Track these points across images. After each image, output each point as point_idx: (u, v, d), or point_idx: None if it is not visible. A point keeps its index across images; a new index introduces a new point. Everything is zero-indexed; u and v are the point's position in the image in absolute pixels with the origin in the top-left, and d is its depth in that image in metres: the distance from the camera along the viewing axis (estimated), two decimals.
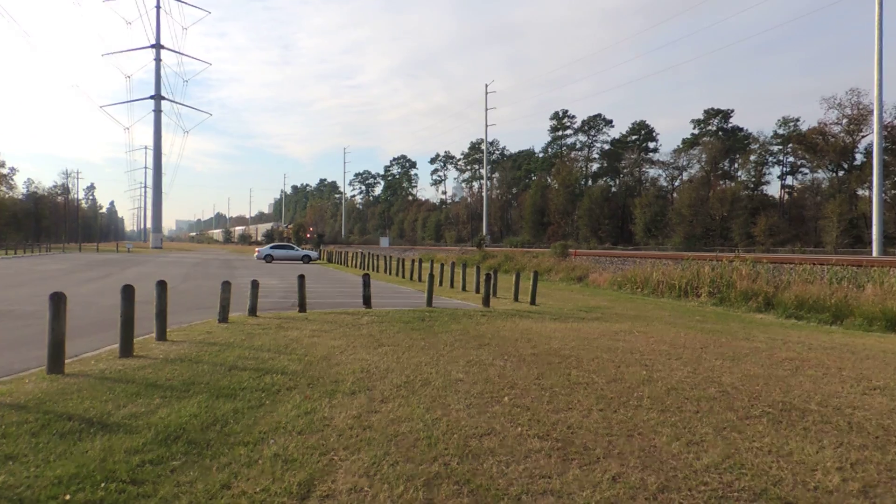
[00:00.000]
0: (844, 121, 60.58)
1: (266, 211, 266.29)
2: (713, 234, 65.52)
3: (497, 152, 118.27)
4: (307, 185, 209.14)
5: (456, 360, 9.06)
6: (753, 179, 69.41)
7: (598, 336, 11.78)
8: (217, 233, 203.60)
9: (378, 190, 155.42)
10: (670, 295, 21.73)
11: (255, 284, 13.92)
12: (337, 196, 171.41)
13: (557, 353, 9.75)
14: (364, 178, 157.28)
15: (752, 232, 60.44)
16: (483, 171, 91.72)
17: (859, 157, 60.74)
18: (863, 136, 60.29)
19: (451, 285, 24.53)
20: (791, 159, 72.30)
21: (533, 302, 17.96)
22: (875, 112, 35.37)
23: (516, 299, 18.78)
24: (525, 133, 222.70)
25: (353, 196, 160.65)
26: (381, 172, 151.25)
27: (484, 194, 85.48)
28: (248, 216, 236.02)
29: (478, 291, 21.41)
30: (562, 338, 11.42)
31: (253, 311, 13.66)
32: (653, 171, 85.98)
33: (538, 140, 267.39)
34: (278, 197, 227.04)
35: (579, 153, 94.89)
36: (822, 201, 62.70)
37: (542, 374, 8.22)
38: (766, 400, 7.19)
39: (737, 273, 20.21)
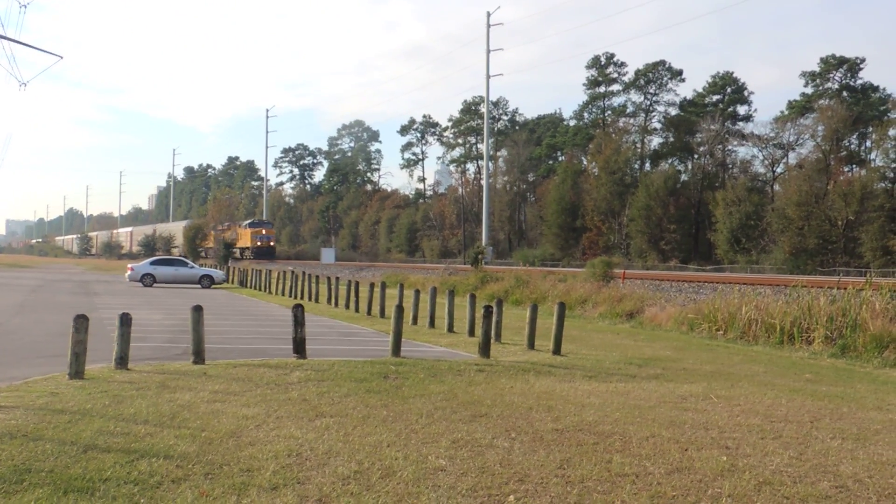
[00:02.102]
0: None
1: (145, 206, 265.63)
2: (833, 247, 66.04)
3: (505, 118, 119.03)
4: (209, 166, 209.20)
5: (436, 438, 9.12)
6: (894, 166, 70.04)
7: (655, 403, 11.89)
8: (70, 240, 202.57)
9: (319, 175, 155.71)
10: (767, 341, 21.91)
11: (126, 321, 13.86)
12: (255, 184, 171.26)
13: (593, 430, 9.83)
14: (298, 156, 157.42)
15: (890, 245, 60.97)
16: (483, 148, 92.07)
17: None
18: None
19: (432, 324, 24.59)
20: None
21: (557, 350, 18.05)
22: None
23: (532, 346, 18.88)
24: (549, 89, 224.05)
25: (281, 184, 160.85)
26: (325, 148, 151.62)
27: (484, 183, 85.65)
28: (117, 214, 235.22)
29: (472, 334, 21.45)
30: (600, 406, 11.51)
31: (123, 361, 13.62)
32: (744, 151, 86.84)
33: (568, 100, 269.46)
34: (164, 185, 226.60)
35: (632, 121, 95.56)
36: None
37: (569, 460, 8.30)
38: None
39: (867, 308, 20.43)
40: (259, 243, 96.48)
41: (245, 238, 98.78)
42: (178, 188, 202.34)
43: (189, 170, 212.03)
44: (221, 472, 7.49)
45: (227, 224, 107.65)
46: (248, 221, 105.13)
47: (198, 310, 14.83)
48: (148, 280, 48.05)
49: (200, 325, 14.79)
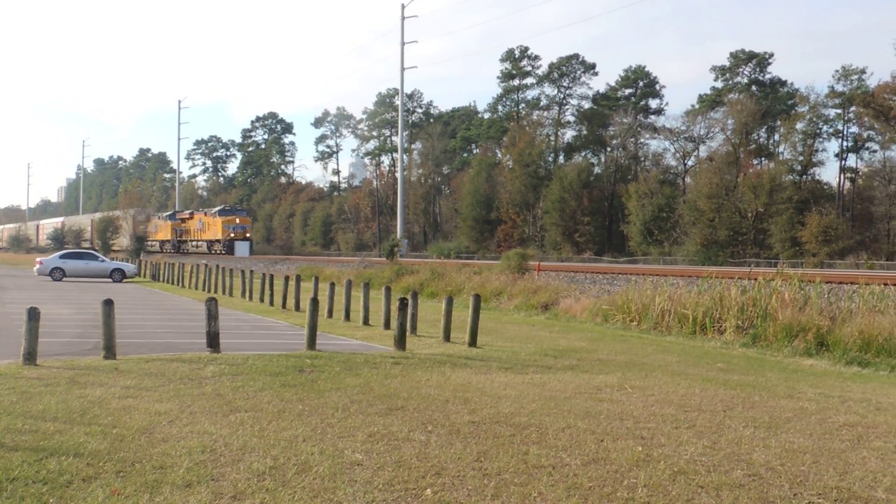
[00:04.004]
0: None
1: (54, 199, 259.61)
2: (743, 238, 67.57)
3: (419, 111, 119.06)
4: (120, 158, 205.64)
5: (352, 432, 9.09)
6: (801, 158, 71.90)
7: (571, 394, 11.98)
8: None
9: (233, 167, 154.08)
10: (680, 331, 22.27)
11: (34, 315, 13.58)
12: (168, 176, 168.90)
13: (509, 422, 9.88)
14: (211, 148, 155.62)
15: (798, 236, 62.61)
16: (397, 140, 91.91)
17: None
18: None
19: (347, 317, 24.54)
20: (854, 129, 75.16)
21: (473, 342, 18.11)
22: None
23: (447, 338, 18.91)
24: (463, 82, 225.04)
25: (194, 176, 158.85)
26: (238, 140, 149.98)
27: (399, 175, 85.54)
28: (24, 207, 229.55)
29: (388, 326, 21.41)
30: (516, 397, 11.57)
31: (31, 357, 13.34)
32: (656, 144, 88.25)
33: (483, 93, 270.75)
34: (74, 177, 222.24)
35: (545, 114, 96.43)
36: None
37: (486, 453, 8.32)
38: (815, 486, 7.50)
39: (777, 298, 20.91)
40: (233, 234, 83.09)
41: (214, 229, 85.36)
42: (89, 180, 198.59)
43: (99, 162, 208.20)
44: (133, 470, 7.38)
45: (188, 213, 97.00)
46: (219, 209, 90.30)
47: (109, 304, 14.64)
48: (57, 274, 47.22)
49: (111, 319, 14.57)
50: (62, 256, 49.77)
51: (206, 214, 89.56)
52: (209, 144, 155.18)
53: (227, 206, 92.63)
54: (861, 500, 7.12)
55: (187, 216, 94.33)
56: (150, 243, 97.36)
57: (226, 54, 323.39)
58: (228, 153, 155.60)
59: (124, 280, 49.18)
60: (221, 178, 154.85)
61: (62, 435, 8.57)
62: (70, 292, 35.81)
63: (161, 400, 10.65)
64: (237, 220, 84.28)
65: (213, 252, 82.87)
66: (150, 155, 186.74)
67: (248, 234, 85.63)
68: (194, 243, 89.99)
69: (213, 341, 15.55)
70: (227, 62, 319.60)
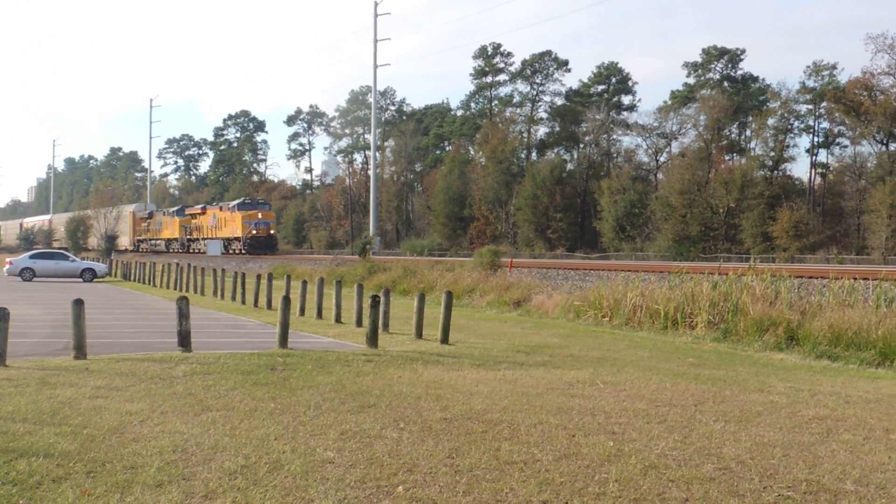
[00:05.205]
0: None
1: (25, 199, 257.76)
2: (715, 234, 68.03)
3: (392, 108, 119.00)
4: (91, 157, 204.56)
5: (324, 430, 9.07)
6: (772, 154, 72.39)
7: (543, 390, 12.01)
8: None
9: (205, 166, 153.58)
10: (652, 326, 22.35)
11: (3, 315, 13.47)
12: (139, 175, 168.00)
13: (481, 418, 9.89)
14: (182, 146, 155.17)
15: (769, 231, 63.07)
16: (370, 138, 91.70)
17: None
18: None
19: (319, 314, 24.53)
20: (825, 125, 75.78)
21: (445, 339, 18.11)
22: None
23: (420, 335, 18.91)
24: (436, 79, 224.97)
25: (166, 175, 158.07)
26: (210, 138, 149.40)
27: (371, 173, 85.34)
28: None
29: (360, 324, 21.40)
30: (488, 394, 11.58)
31: (0, 357, 13.23)
32: (628, 140, 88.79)
33: (456, 90, 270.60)
34: (44, 176, 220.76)
35: (518, 111, 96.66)
36: (868, 187, 66.00)
37: (458, 449, 8.33)
38: (785, 479, 7.55)
39: (748, 293, 21.03)
40: (255, 231, 73.49)
41: (233, 225, 75.85)
42: (59, 180, 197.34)
43: (70, 161, 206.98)
44: (104, 470, 7.33)
45: (200, 207, 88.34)
46: (238, 202, 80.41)
47: (79, 303, 14.54)
48: (27, 274, 46.93)
49: (82, 319, 14.45)
50: (32, 256, 49.57)
51: (221, 209, 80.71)
52: (181, 143, 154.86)
53: (248, 199, 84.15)
54: (830, 492, 7.17)
55: (199, 211, 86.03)
56: (154, 242, 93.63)
57: (197, 52, 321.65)
58: (200, 152, 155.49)
59: (95, 280, 48.95)
60: (193, 177, 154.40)
61: (32, 436, 8.50)
62: (40, 292, 35.56)
63: (132, 400, 10.57)
64: (259, 216, 75.21)
65: (230, 252, 75.36)
66: (121, 154, 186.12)
67: (272, 231, 77.02)
68: (207, 242, 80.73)
69: (184, 340, 15.45)
70: (198, 60, 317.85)
